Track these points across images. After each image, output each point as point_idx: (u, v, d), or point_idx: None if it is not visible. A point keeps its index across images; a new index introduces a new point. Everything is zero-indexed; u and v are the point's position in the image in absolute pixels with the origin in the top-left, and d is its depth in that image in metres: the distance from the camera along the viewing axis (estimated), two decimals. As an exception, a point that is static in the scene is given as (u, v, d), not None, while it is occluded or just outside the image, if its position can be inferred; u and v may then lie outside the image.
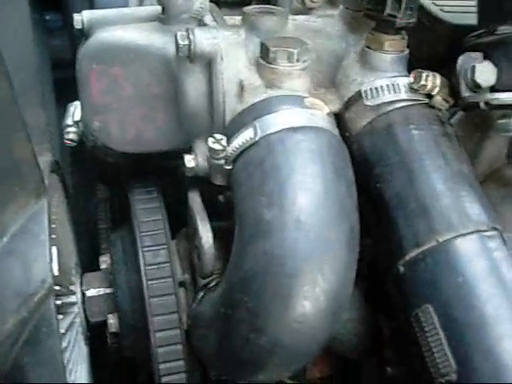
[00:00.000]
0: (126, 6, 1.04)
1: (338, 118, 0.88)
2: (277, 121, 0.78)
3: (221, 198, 1.02)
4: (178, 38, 0.80)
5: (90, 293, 1.01)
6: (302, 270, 0.72)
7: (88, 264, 1.13)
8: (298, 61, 0.81)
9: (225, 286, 0.80)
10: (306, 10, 0.98)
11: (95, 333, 1.05)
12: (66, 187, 1.10)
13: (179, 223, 1.00)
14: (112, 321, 0.99)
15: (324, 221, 0.74)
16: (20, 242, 0.86)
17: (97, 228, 1.48)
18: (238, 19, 0.91)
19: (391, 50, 0.87)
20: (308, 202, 0.73)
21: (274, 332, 0.74)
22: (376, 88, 0.85)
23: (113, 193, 1.47)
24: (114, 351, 1.02)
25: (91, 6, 1.06)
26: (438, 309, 0.73)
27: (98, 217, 1.50)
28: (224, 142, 0.79)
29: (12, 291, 0.84)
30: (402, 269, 0.78)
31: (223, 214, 0.97)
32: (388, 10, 0.84)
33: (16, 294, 0.84)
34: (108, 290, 1.01)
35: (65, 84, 1.22)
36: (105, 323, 1.00)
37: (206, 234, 0.86)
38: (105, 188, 1.51)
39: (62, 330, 0.92)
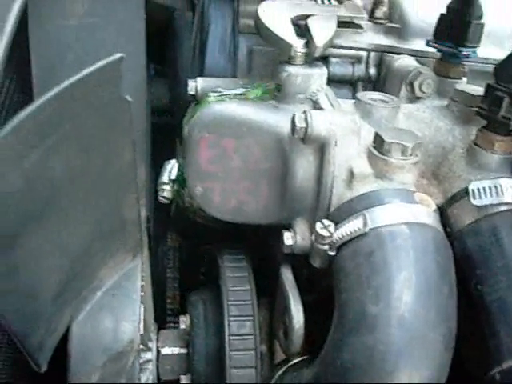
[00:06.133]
0: (234, 71, 1.06)
1: (440, 211, 0.88)
2: (387, 214, 0.78)
3: (305, 271, 1.03)
4: (296, 119, 0.82)
5: (165, 351, 1.02)
6: (402, 367, 0.72)
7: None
8: (411, 155, 0.82)
9: (318, 372, 0.79)
10: (415, 99, 1.00)
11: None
12: (151, 241, 1.12)
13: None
14: (185, 382, 0.99)
15: (426, 321, 0.74)
16: (113, 298, 0.87)
17: (164, 275, 1.50)
18: (350, 103, 0.93)
19: (500, 151, 0.87)
20: (413, 300, 0.73)
21: (367, 425, 0.73)
22: (484, 188, 0.85)
23: (184, 243, 1.49)
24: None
25: (201, 64, 1.07)
26: None
27: (166, 264, 1.51)
28: (332, 229, 0.80)
29: (100, 347, 0.85)
30: (497, 376, 0.77)
31: (306, 288, 0.98)
32: (503, 112, 0.84)
33: (104, 350, 0.85)
34: (183, 350, 1.01)
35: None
36: (175, 383, 1.01)
37: (297, 313, 0.86)
38: (176, 237, 1.53)
39: (140, 389, 0.93)
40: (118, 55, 0.66)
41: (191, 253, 1.45)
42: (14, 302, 0.70)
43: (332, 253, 0.81)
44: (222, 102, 0.90)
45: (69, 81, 0.61)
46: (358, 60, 1.13)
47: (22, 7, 0.63)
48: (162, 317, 1.42)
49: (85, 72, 0.63)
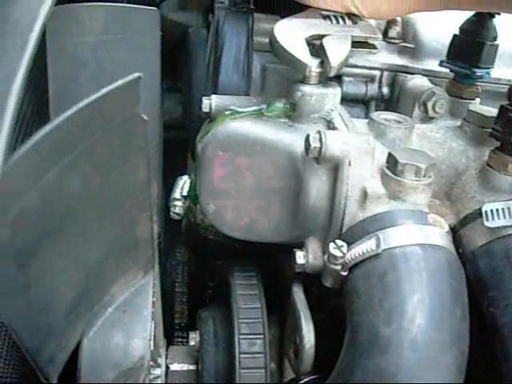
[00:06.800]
0: (248, 89, 1.06)
1: (452, 232, 0.88)
2: (401, 235, 0.78)
3: (315, 290, 1.02)
4: (311, 139, 0.82)
5: (174, 367, 1.02)
6: (412, 390, 0.72)
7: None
8: (424, 176, 0.82)
9: (327, 393, 0.79)
10: (428, 119, 1.00)
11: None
12: (161, 256, 1.12)
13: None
14: (194, 399, 0.99)
15: (438, 343, 0.73)
16: (124, 314, 0.87)
17: (173, 290, 1.49)
18: (363, 123, 0.93)
19: (514, 173, 0.87)
20: (426, 323, 0.73)
21: None
22: (497, 210, 0.84)
23: (193, 258, 1.49)
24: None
25: (214, 81, 1.07)
26: None
27: (174, 279, 1.51)
28: (345, 249, 0.80)
29: (110, 362, 0.85)
30: (510, 400, 0.76)
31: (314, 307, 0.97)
32: (517, 134, 0.84)
33: (114, 366, 0.84)
34: (192, 367, 1.01)
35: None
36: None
37: (308, 333, 0.86)
38: (185, 251, 1.53)
39: (147, 406, 0.93)
40: (136, 75, 0.66)
41: (200, 267, 1.45)
42: (27, 317, 0.70)
43: (344, 273, 0.81)
44: (237, 120, 0.90)
45: (87, 99, 0.61)
46: (372, 79, 1.13)
47: (43, 26, 0.63)
48: (170, 332, 1.42)
49: (103, 91, 0.63)
